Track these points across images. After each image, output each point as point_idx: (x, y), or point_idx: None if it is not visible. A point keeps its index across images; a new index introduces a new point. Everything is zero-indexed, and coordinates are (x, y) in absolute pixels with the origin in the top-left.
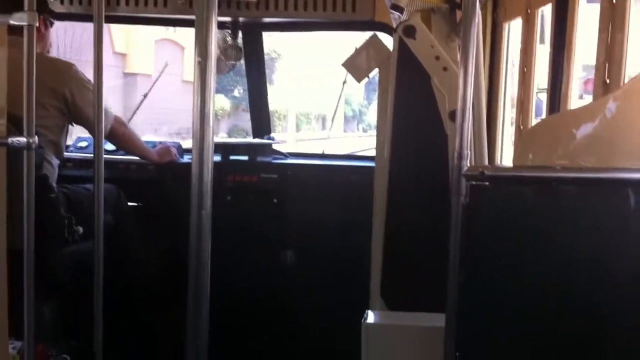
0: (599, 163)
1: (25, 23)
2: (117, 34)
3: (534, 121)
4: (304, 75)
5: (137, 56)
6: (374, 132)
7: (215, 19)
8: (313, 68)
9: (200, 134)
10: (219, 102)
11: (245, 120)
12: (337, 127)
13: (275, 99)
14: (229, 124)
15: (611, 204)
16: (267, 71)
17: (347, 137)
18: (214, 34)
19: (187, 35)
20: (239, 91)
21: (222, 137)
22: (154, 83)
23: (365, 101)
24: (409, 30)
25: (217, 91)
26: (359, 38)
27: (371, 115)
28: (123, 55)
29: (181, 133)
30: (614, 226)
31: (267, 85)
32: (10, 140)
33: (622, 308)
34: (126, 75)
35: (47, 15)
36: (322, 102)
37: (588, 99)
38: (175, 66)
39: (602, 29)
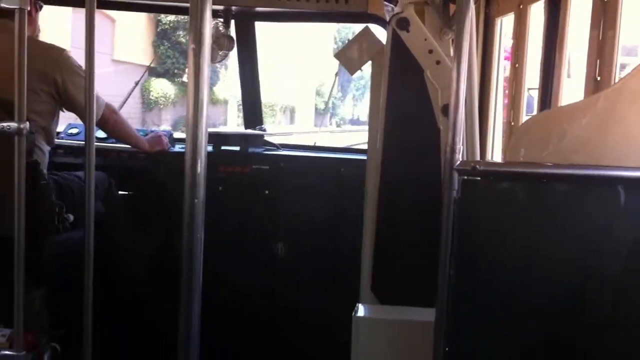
0: (590, 160)
1: (16, 6)
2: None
3: (524, 118)
4: (269, 64)
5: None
6: (349, 127)
7: (210, 5)
8: (279, 57)
9: (194, 122)
10: (163, 88)
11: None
12: (307, 121)
13: (236, 88)
14: (174, 115)
15: (601, 202)
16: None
17: (317, 132)
18: (209, 21)
19: None
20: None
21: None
22: (145, 71)
23: (340, 93)
24: (403, 23)
25: (160, 74)
26: (319, 27)
27: (346, 109)
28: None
29: None
30: (604, 223)
31: (259, 75)
32: (0, 125)
33: (612, 305)
34: None
35: None
36: (289, 93)
37: None
38: (104, 42)
39: (594, 26)
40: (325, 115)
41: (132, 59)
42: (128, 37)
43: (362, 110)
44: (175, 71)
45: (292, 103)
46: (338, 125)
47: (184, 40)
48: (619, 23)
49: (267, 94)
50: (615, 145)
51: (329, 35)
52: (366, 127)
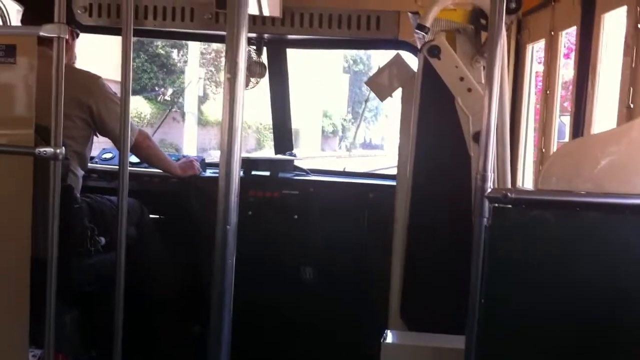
0: (623, 189)
1: (55, 35)
2: None
3: (556, 144)
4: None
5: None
6: (360, 152)
7: (245, 35)
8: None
9: (228, 148)
10: (138, 107)
11: (176, 133)
12: (313, 145)
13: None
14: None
15: (635, 230)
16: None
17: (324, 156)
18: (244, 50)
19: None
20: (174, 94)
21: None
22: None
23: (350, 115)
24: (434, 51)
25: (137, 92)
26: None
27: (358, 132)
28: None
29: None
30: (638, 252)
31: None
32: (37, 150)
33: None
34: None
35: (74, 27)
36: (293, 114)
37: None
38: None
39: (627, 53)
40: (333, 139)
41: (103, 74)
42: (98, 49)
43: (374, 134)
44: (156, 88)
45: (296, 125)
46: (348, 150)
47: (162, 52)
48: None
49: (267, 116)
50: None
51: (337, 53)
52: (378, 152)
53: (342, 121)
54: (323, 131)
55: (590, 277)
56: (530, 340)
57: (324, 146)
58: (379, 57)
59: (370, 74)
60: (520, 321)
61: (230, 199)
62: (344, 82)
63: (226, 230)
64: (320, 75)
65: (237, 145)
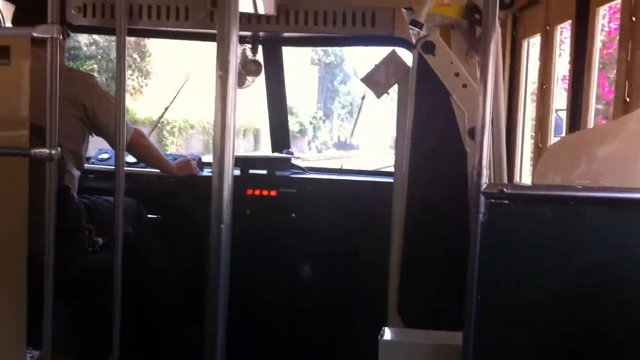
0: (621, 183)
1: (48, 35)
2: None
3: (552, 139)
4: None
5: None
6: (332, 153)
7: (236, 33)
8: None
9: (221, 147)
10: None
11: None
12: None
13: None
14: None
15: (632, 225)
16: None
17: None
18: (236, 48)
19: None
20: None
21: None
22: (176, 95)
23: (320, 112)
24: (429, 46)
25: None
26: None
27: (326, 132)
28: None
29: None
30: (635, 247)
31: (286, 99)
32: (32, 151)
33: None
34: None
35: (65, 27)
36: (252, 112)
37: None
38: None
39: (622, 47)
40: (302, 138)
41: None
42: None
43: (349, 132)
44: (106, 81)
45: (257, 124)
46: (319, 151)
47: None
48: None
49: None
50: None
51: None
52: (353, 152)
53: (311, 119)
54: (289, 130)
55: (586, 271)
56: (527, 335)
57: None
58: (352, 49)
59: (343, 66)
60: (517, 316)
61: (223, 197)
62: (312, 76)
63: (220, 229)
64: (284, 67)
65: (229, 143)
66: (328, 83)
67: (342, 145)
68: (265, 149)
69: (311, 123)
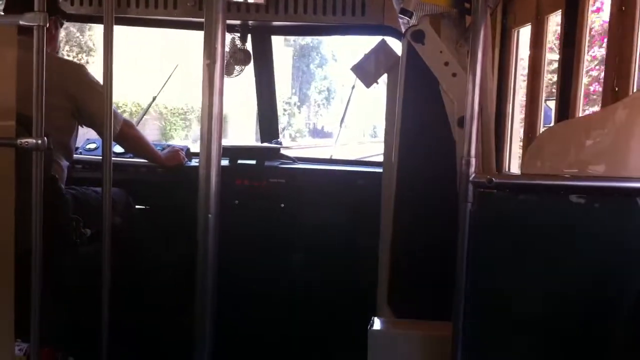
0: (609, 172)
1: (35, 24)
2: None
3: (542, 129)
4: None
5: None
6: (306, 142)
7: (224, 21)
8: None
9: (208, 137)
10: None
11: None
12: (247, 134)
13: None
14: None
15: (620, 214)
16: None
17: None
18: (223, 37)
19: None
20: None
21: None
22: (164, 85)
23: (295, 97)
24: (418, 35)
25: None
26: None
27: (302, 119)
28: None
29: None
30: (623, 235)
31: (275, 88)
32: (19, 141)
33: (630, 318)
34: None
35: (58, 17)
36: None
37: None
38: None
39: (611, 37)
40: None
41: None
42: None
43: (327, 119)
44: None
45: (225, 110)
46: (293, 139)
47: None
48: (637, 33)
49: (181, 99)
50: (635, 156)
51: None
52: (330, 141)
53: (284, 105)
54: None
55: (576, 261)
56: (516, 325)
57: (262, 136)
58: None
59: (320, 48)
60: (506, 307)
61: (210, 187)
62: (286, 58)
63: (208, 218)
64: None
65: (216, 132)
66: (304, 66)
67: (319, 134)
68: (232, 136)
69: (285, 110)
